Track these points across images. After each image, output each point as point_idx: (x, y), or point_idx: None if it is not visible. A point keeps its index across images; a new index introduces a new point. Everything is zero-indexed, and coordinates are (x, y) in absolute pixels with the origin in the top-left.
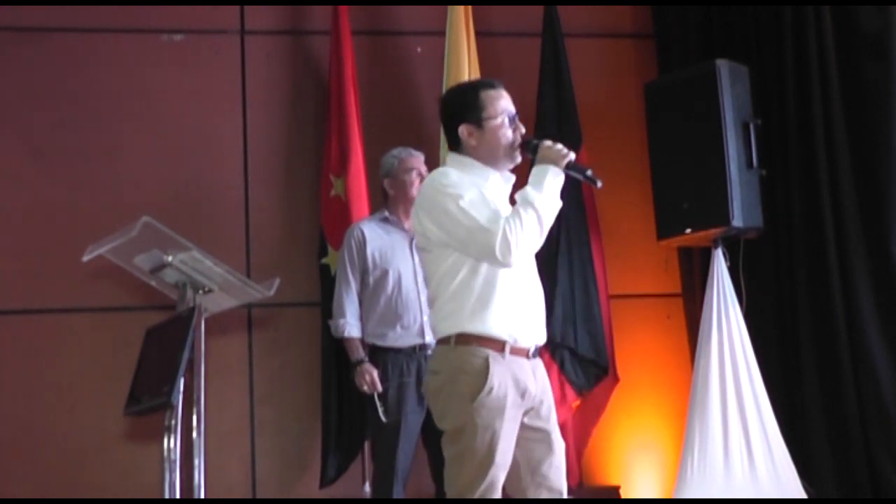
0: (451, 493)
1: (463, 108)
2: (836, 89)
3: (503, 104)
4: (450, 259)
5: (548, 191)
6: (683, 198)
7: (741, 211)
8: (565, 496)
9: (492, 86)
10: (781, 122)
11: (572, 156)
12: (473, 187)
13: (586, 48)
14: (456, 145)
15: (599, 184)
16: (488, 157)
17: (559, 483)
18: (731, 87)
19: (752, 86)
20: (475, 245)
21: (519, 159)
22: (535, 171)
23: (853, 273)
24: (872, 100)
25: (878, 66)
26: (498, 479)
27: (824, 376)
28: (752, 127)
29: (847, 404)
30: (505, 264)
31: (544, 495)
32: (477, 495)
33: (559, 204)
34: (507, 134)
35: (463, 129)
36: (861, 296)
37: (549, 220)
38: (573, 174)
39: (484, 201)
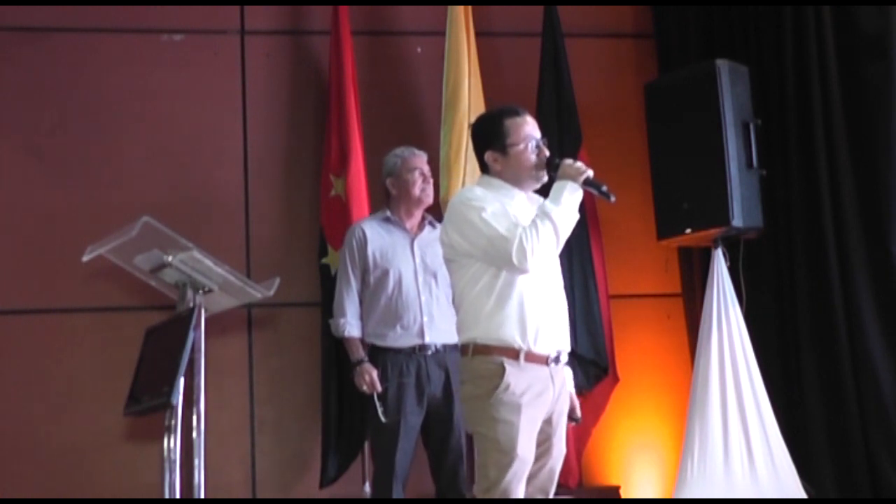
0: (477, 491)
1: (488, 135)
2: (836, 89)
3: (527, 130)
4: (472, 269)
5: (565, 204)
6: (683, 198)
7: (741, 211)
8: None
9: (516, 113)
10: (781, 122)
11: (590, 172)
12: (497, 202)
13: (586, 48)
14: (485, 169)
15: (613, 198)
16: (513, 179)
17: (546, 485)
18: (731, 87)
19: (752, 86)
20: (494, 252)
21: (545, 179)
22: (554, 186)
23: (853, 273)
24: (872, 100)
25: (878, 66)
26: (520, 472)
27: (824, 376)
28: (752, 127)
29: (847, 404)
30: (521, 270)
31: (528, 491)
32: (500, 487)
33: (576, 216)
34: (531, 158)
35: (489, 156)
36: (861, 296)
37: (566, 231)
38: (590, 189)
39: (505, 214)
